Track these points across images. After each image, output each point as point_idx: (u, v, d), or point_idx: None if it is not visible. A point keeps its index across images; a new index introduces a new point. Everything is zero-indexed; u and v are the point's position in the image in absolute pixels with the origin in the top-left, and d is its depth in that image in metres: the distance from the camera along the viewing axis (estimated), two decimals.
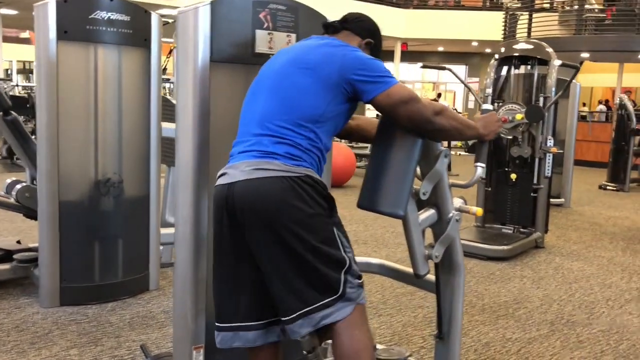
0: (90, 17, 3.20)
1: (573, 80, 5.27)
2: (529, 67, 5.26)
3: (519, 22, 15.59)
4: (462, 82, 5.63)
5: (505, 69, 5.38)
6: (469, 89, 5.64)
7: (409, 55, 19.57)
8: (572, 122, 7.53)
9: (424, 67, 5.41)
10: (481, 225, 5.39)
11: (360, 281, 1.81)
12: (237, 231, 1.77)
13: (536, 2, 16.27)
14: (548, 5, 16.67)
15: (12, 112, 3.63)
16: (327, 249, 1.73)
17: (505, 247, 4.74)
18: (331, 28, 1.99)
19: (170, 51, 8.56)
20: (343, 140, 8.75)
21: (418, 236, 2.04)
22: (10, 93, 8.24)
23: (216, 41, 2.12)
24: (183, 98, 2.16)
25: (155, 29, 3.47)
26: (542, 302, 3.76)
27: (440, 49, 21.22)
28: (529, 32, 15.00)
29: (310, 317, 1.72)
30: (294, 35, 2.29)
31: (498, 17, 16.40)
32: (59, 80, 3.20)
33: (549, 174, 5.13)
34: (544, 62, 5.16)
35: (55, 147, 3.22)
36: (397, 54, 18.69)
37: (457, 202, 2.14)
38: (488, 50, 19.73)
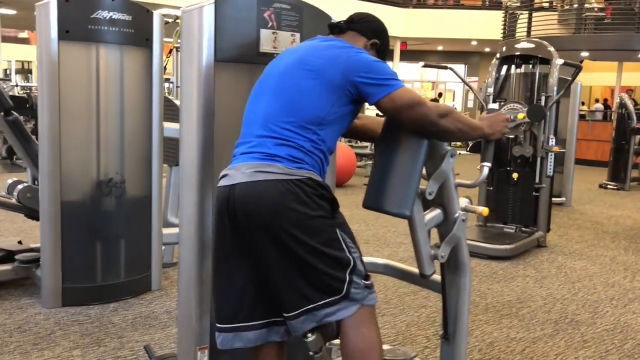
0: (92, 16, 3.19)
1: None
2: (530, 66, 5.25)
3: (519, 21, 15.58)
4: (464, 81, 5.62)
5: (507, 68, 5.37)
6: (470, 89, 5.63)
7: (408, 55, 19.56)
8: (573, 121, 7.53)
9: (425, 66, 5.41)
10: (483, 225, 5.39)
11: (368, 282, 1.80)
12: (238, 232, 1.76)
13: (535, 1, 16.26)
14: (547, 4, 16.66)
15: (13, 112, 3.61)
16: (329, 250, 1.72)
17: (507, 247, 4.73)
18: (337, 28, 1.97)
19: (170, 51, 8.54)
20: (343, 140, 8.75)
21: (424, 236, 2.04)
22: (10, 93, 8.22)
23: (220, 40, 2.11)
24: (187, 98, 2.15)
25: (157, 29, 3.46)
26: (545, 301, 3.75)
27: (440, 48, 21.21)
28: (528, 32, 14.99)
29: (313, 313, 1.72)
30: (298, 35, 2.28)
31: (497, 16, 16.40)
32: (60, 80, 3.19)
33: (551, 173, 5.12)
34: (546, 61, 5.15)
35: (57, 147, 3.21)
36: (397, 53, 18.68)
37: (463, 202, 2.14)
38: (487, 50, 19.74)
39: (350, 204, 6.11)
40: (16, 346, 2.81)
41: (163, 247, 3.77)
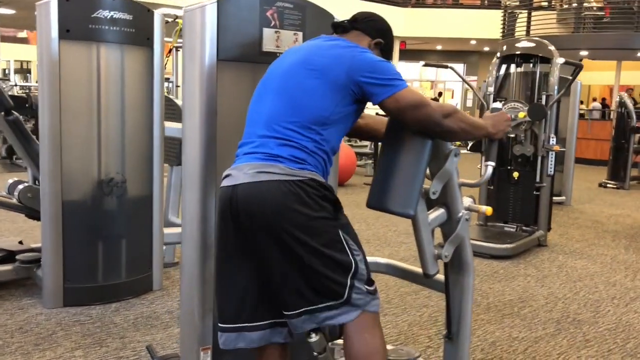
0: (92, 15, 3.18)
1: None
2: (531, 65, 5.25)
3: (518, 20, 15.58)
4: (465, 81, 5.61)
5: (506, 67, 5.37)
6: (471, 88, 5.63)
7: (407, 54, 19.56)
8: (573, 120, 7.53)
9: (426, 65, 5.40)
10: (484, 224, 5.39)
11: (371, 288, 1.78)
12: (240, 233, 1.76)
13: (535, 0, 16.26)
14: (546, 3, 16.66)
15: (14, 112, 3.60)
16: (331, 252, 1.71)
17: (508, 246, 4.73)
18: (340, 28, 1.96)
19: (170, 50, 8.53)
20: (344, 139, 8.74)
21: (427, 236, 2.03)
22: (9, 93, 8.20)
23: (223, 40, 2.10)
24: (190, 97, 2.14)
25: (157, 28, 3.45)
26: (547, 300, 3.75)
27: (439, 47, 21.22)
28: (527, 31, 14.99)
29: (314, 314, 1.72)
30: (300, 34, 2.27)
31: (497, 15, 16.40)
32: (61, 80, 3.18)
33: (552, 172, 5.11)
34: (546, 60, 5.15)
35: (58, 147, 3.20)
36: (396, 53, 18.67)
37: (467, 201, 2.13)
38: (486, 49, 19.74)
39: (350, 203, 6.10)
40: (17, 347, 2.80)
41: (164, 247, 3.76)
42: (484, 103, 5.29)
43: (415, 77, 23.17)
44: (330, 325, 1.78)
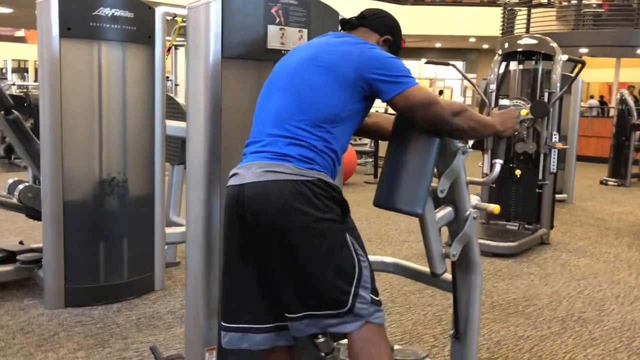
0: (93, 13, 3.14)
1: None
2: (533, 62, 5.22)
3: (517, 17, 15.55)
4: (467, 78, 5.60)
5: (506, 64, 5.34)
6: (473, 85, 5.60)
7: (406, 52, 19.38)
8: (575, 117, 7.51)
9: (428, 62, 5.38)
10: (486, 222, 5.36)
11: (377, 298, 1.74)
12: (247, 232, 1.73)
13: None
14: (546, 0, 16.63)
15: (14, 111, 3.57)
16: (337, 256, 1.68)
17: (511, 244, 4.71)
18: (348, 25, 1.93)
19: (169, 49, 8.50)
20: None
21: (435, 234, 2.00)
22: (7, 92, 8.17)
23: (227, 37, 2.08)
24: (194, 95, 2.12)
25: (159, 26, 3.42)
26: (551, 299, 3.72)
27: (438, 45, 21.17)
28: (527, 28, 14.97)
29: (315, 320, 1.69)
30: (305, 31, 2.25)
31: (496, 12, 16.36)
32: (62, 79, 3.15)
33: (554, 170, 5.09)
34: (548, 57, 5.12)
35: (59, 146, 3.17)
36: None
37: (474, 199, 2.11)
38: (486, 46, 19.70)
39: (351, 201, 5.99)
40: (19, 348, 2.78)
41: (166, 247, 3.73)
42: (486, 100, 5.26)
43: (414, 75, 23.10)
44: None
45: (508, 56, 5.31)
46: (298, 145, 1.69)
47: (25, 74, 24.63)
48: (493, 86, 5.23)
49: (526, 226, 5.19)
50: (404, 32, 1.98)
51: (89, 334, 2.94)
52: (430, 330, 3.17)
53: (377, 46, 1.81)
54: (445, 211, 2.04)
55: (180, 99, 4.53)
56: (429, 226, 1.98)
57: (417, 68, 22.38)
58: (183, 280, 3.76)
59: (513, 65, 5.33)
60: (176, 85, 9.21)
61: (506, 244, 4.70)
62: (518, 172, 5.14)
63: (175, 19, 7.87)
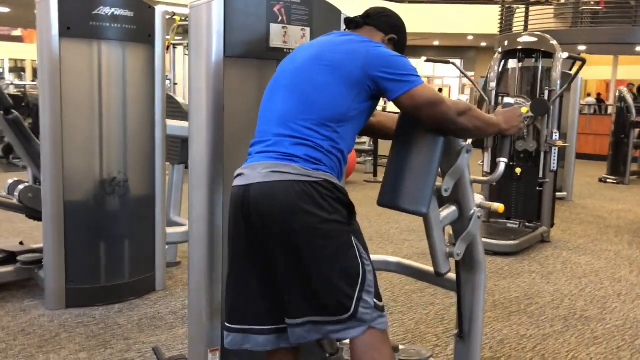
0: (93, 13, 3.13)
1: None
2: (533, 60, 5.21)
3: (515, 15, 15.55)
4: (467, 77, 5.58)
5: (509, 62, 5.33)
6: (473, 84, 5.59)
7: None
8: (574, 115, 7.51)
9: (428, 61, 5.37)
10: (486, 220, 5.35)
11: (380, 303, 1.72)
12: (252, 233, 1.72)
13: None
14: None
15: (14, 111, 3.55)
16: (342, 258, 1.66)
17: (512, 242, 4.70)
18: (353, 23, 1.91)
19: (167, 48, 8.48)
20: None
21: (439, 234, 1.99)
22: (5, 92, 8.13)
23: (230, 36, 2.07)
24: (197, 95, 2.11)
25: (159, 25, 3.40)
26: (553, 297, 3.72)
27: (436, 43, 21.18)
28: (525, 26, 14.97)
29: (318, 326, 1.66)
30: (308, 29, 2.24)
31: (494, 10, 16.36)
32: (62, 78, 3.13)
33: (555, 168, 5.08)
34: (548, 55, 5.11)
35: (60, 146, 3.16)
36: None
37: (478, 198, 2.10)
38: (483, 44, 19.71)
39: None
40: (21, 349, 2.76)
41: (166, 247, 3.72)
42: (485, 98, 5.25)
43: None
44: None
45: (507, 54, 5.30)
46: (304, 145, 1.67)
47: (22, 73, 24.59)
48: (493, 84, 5.21)
49: (527, 224, 5.19)
50: None
51: (90, 335, 2.93)
52: (432, 329, 3.16)
53: (382, 44, 1.80)
54: (450, 210, 2.03)
55: (180, 98, 4.51)
56: (433, 225, 1.97)
57: (415, 66, 22.35)
58: (184, 281, 3.75)
59: (512, 63, 5.32)
60: (175, 84, 9.19)
61: (507, 243, 4.70)
62: (518, 170, 5.12)
63: (174, 17, 7.85)
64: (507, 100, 2.10)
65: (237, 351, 1.85)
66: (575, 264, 4.53)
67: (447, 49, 21.32)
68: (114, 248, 3.41)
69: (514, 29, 15.12)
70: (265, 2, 2.11)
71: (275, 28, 2.14)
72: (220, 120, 2.09)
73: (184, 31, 9.47)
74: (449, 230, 2.06)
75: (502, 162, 2.05)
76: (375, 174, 8.63)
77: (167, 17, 6.71)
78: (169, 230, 3.69)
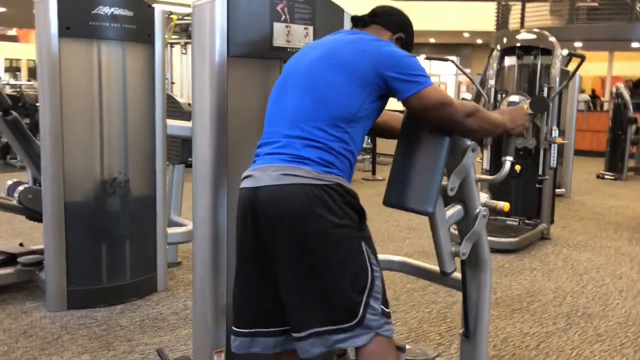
0: (92, 12, 3.11)
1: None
2: (532, 57, 5.20)
3: (512, 12, 15.55)
4: (465, 74, 5.58)
5: (507, 59, 5.32)
6: (472, 82, 5.59)
7: None
8: (572, 112, 7.52)
9: (427, 58, 5.36)
10: None
11: (386, 310, 1.71)
12: (261, 236, 1.70)
13: None
14: None
15: (13, 111, 3.53)
16: (352, 264, 1.65)
17: (512, 240, 4.70)
18: (361, 22, 1.90)
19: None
20: None
21: (445, 233, 1.99)
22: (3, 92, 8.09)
23: (233, 35, 2.05)
24: (200, 95, 2.10)
25: (158, 24, 3.39)
26: (555, 294, 3.72)
27: (432, 40, 21.16)
28: (522, 23, 14.97)
29: (323, 337, 1.64)
30: (311, 28, 2.22)
31: (490, 7, 16.35)
32: (61, 79, 3.11)
33: (554, 165, 5.09)
34: (547, 52, 5.11)
35: (60, 147, 3.14)
36: None
37: (483, 197, 2.09)
38: (479, 41, 19.70)
39: None
40: (23, 352, 2.75)
41: (167, 247, 3.70)
42: (485, 96, 5.24)
43: None
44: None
45: (506, 51, 5.29)
46: (316, 147, 1.65)
47: (17, 73, 24.49)
48: (492, 82, 5.20)
49: (526, 221, 5.19)
50: None
51: (93, 337, 2.92)
52: (435, 328, 3.16)
53: (392, 43, 1.78)
54: (455, 209, 2.02)
55: (179, 97, 4.49)
56: (439, 225, 1.96)
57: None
58: (185, 281, 3.74)
59: (510, 60, 5.31)
60: (172, 83, 9.16)
61: (508, 240, 4.70)
62: (518, 167, 5.07)
63: (171, 16, 7.82)
64: (512, 98, 2.09)
65: (243, 354, 1.83)
66: (575, 260, 4.53)
67: (443, 47, 21.29)
68: (115, 249, 3.40)
69: (510, 26, 15.12)
70: (268, 1, 2.10)
71: (278, 27, 2.13)
72: (224, 120, 2.08)
73: (181, 30, 9.45)
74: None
75: (508, 160, 2.05)
76: (373, 172, 8.62)
77: (165, 16, 6.68)
78: (170, 230, 3.67)
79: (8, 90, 11.23)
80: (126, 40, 3.26)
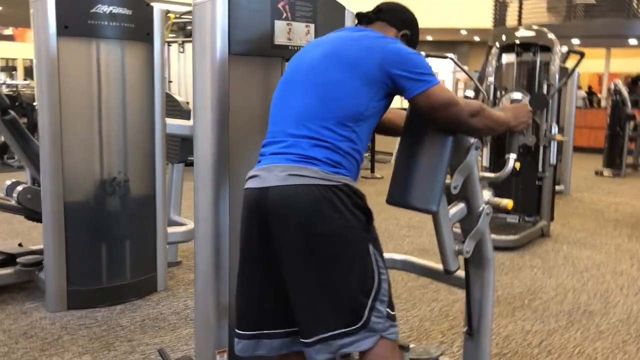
0: (91, 11, 3.09)
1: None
2: (531, 54, 5.19)
3: (509, 9, 15.57)
4: (465, 72, 5.57)
5: (505, 56, 5.31)
6: (472, 79, 5.58)
7: None
8: (571, 109, 7.52)
9: (426, 56, 5.34)
10: None
11: (392, 312, 1.69)
12: (267, 237, 1.67)
13: None
14: None
15: (11, 111, 3.51)
16: (359, 265, 1.63)
17: (513, 237, 4.70)
18: (365, 19, 1.87)
19: None
20: None
21: (448, 231, 1.97)
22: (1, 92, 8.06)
23: (234, 33, 2.04)
24: (201, 93, 2.08)
25: (157, 23, 3.37)
26: (556, 292, 3.71)
27: (429, 38, 21.15)
28: (519, 20, 14.97)
29: (328, 343, 1.62)
30: (312, 26, 2.21)
31: (487, 4, 16.35)
32: (60, 78, 3.09)
33: (554, 162, 5.08)
34: (546, 49, 5.10)
35: (59, 147, 3.12)
36: None
37: (487, 195, 2.09)
38: (477, 39, 19.71)
39: None
40: (23, 353, 2.73)
41: (167, 246, 3.69)
42: (484, 93, 5.23)
43: None
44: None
45: (505, 48, 5.28)
46: (324, 147, 1.63)
47: (13, 72, 24.43)
48: (491, 79, 5.19)
49: (526, 219, 5.19)
50: None
51: (93, 337, 2.90)
52: (437, 326, 3.15)
53: (397, 40, 1.76)
54: (458, 207, 2.01)
55: (177, 96, 4.47)
56: (443, 223, 1.95)
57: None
58: (185, 280, 3.73)
59: (509, 57, 5.29)
60: (170, 81, 9.13)
61: (508, 237, 4.69)
62: (518, 164, 5.08)
63: (168, 15, 7.79)
64: (515, 96, 2.08)
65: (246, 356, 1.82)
66: (576, 258, 4.52)
67: (440, 44, 21.28)
68: (115, 248, 3.38)
69: (508, 23, 15.13)
70: None
71: (279, 25, 2.11)
72: (226, 119, 2.07)
73: (178, 29, 9.42)
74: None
75: (512, 158, 2.05)
76: (372, 170, 8.60)
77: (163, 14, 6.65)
78: (170, 229, 3.66)
79: (5, 90, 11.21)
80: (125, 39, 3.24)
